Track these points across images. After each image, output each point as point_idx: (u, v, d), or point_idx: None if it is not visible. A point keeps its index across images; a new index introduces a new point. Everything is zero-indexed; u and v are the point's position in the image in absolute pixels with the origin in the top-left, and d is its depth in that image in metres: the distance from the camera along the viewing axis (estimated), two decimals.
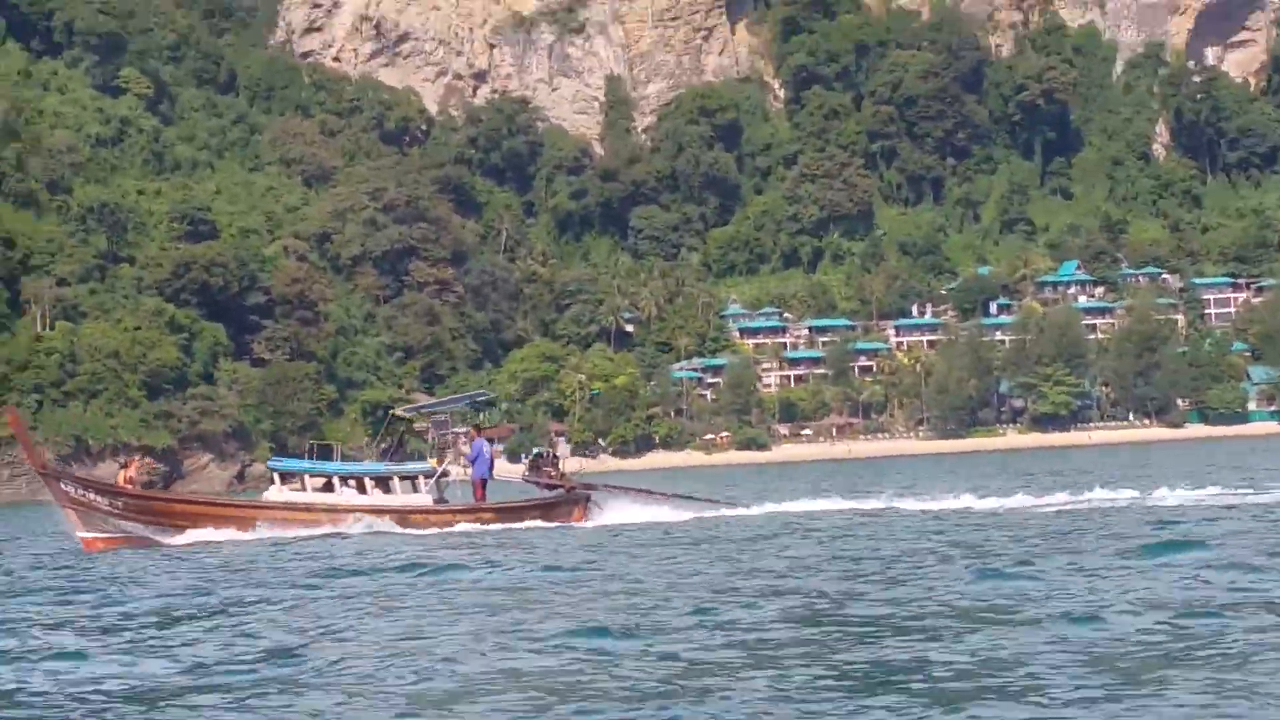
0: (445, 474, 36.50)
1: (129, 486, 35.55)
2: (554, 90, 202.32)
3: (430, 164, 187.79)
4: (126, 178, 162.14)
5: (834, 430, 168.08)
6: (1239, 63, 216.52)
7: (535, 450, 45.44)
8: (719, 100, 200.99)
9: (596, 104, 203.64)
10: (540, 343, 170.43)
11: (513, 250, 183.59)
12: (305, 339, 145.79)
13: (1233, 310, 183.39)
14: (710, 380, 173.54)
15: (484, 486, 35.75)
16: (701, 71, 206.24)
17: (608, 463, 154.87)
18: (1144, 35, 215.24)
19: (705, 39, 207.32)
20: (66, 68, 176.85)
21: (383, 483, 34.52)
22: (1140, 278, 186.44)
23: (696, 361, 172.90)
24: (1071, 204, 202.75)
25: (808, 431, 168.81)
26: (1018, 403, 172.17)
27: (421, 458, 51.21)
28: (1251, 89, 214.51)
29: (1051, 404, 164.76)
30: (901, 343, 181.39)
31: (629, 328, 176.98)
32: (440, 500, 35.08)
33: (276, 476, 36.02)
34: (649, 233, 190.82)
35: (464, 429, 66.70)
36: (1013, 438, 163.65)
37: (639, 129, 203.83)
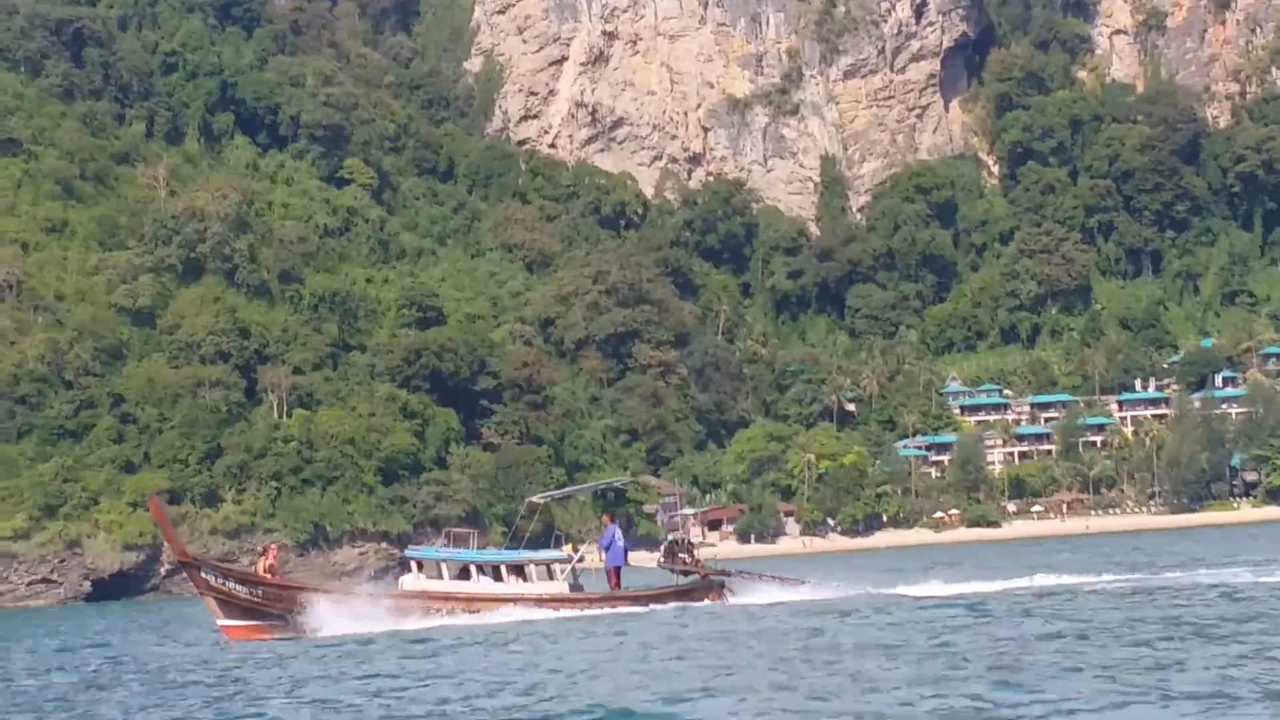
0: (580, 560, 36.57)
1: (268, 576, 34.87)
2: (769, 171, 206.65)
3: (648, 247, 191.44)
4: (354, 266, 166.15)
5: (1064, 506, 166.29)
6: None
7: (670, 537, 46.03)
8: (934, 178, 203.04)
9: (811, 184, 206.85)
10: (765, 423, 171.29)
11: (731, 331, 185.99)
12: (534, 423, 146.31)
13: None
14: (934, 458, 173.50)
15: (618, 574, 35.59)
16: (916, 149, 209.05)
17: (837, 541, 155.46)
18: None
19: (919, 117, 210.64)
20: (293, 160, 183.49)
21: (518, 570, 34.47)
22: None
23: (920, 439, 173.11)
24: None
25: (1038, 508, 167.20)
26: (1250, 476, 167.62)
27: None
28: None
29: None
30: (1125, 417, 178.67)
31: (850, 406, 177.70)
32: (575, 587, 34.76)
33: (413, 564, 35.78)
34: (866, 311, 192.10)
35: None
36: (1246, 511, 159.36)
37: (854, 208, 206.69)
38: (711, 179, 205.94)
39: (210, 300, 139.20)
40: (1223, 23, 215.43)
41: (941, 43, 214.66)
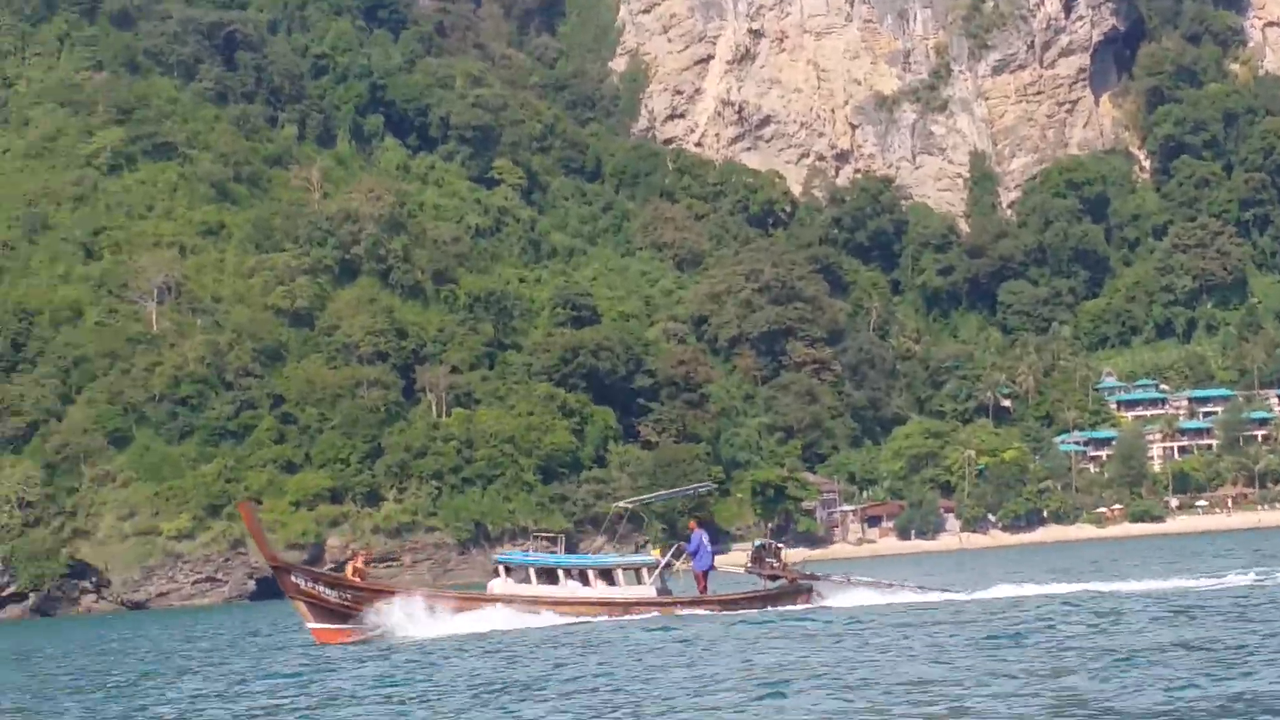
0: (669, 565, 36.15)
1: (356, 579, 34.45)
2: (917, 168, 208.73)
3: (797, 245, 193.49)
4: (507, 266, 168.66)
5: (1228, 501, 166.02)
6: None
7: (758, 542, 43.96)
8: (1085, 173, 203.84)
9: (960, 180, 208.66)
10: (921, 419, 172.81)
11: (883, 328, 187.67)
12: (691, 421, 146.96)
13: None
14: (1093, 453, 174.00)
15: (706, 577, 35.40)
16: (1066, 144, 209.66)
17: (998, 538, 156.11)
18: None
19: (1069, 112, 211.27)
20: (443, 161, 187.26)
21: (607, 575, 34.47)
22: None
23: (1079, 435, 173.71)
24: None
25: (1202, 503, 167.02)
26: None
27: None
28: None
29: None
30: None
31: (1006, 403, 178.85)
32: (664, 591, 34.61)
33: (501, 569, 35.76)
34: (1018, 307, 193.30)
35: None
36: None
37: (1004, 204, 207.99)
38: (859, 176, 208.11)
39: (366, 301, 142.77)
40: None
41: (1091, 37, 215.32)
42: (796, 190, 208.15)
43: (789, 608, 33.69)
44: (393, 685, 20.09)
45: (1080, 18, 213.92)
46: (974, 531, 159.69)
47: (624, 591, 34.09)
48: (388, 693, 18.95)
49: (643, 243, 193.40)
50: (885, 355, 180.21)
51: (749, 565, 36.45)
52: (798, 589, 35.20)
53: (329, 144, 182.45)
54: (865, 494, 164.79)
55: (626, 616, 32.41)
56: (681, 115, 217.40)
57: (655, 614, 32.55)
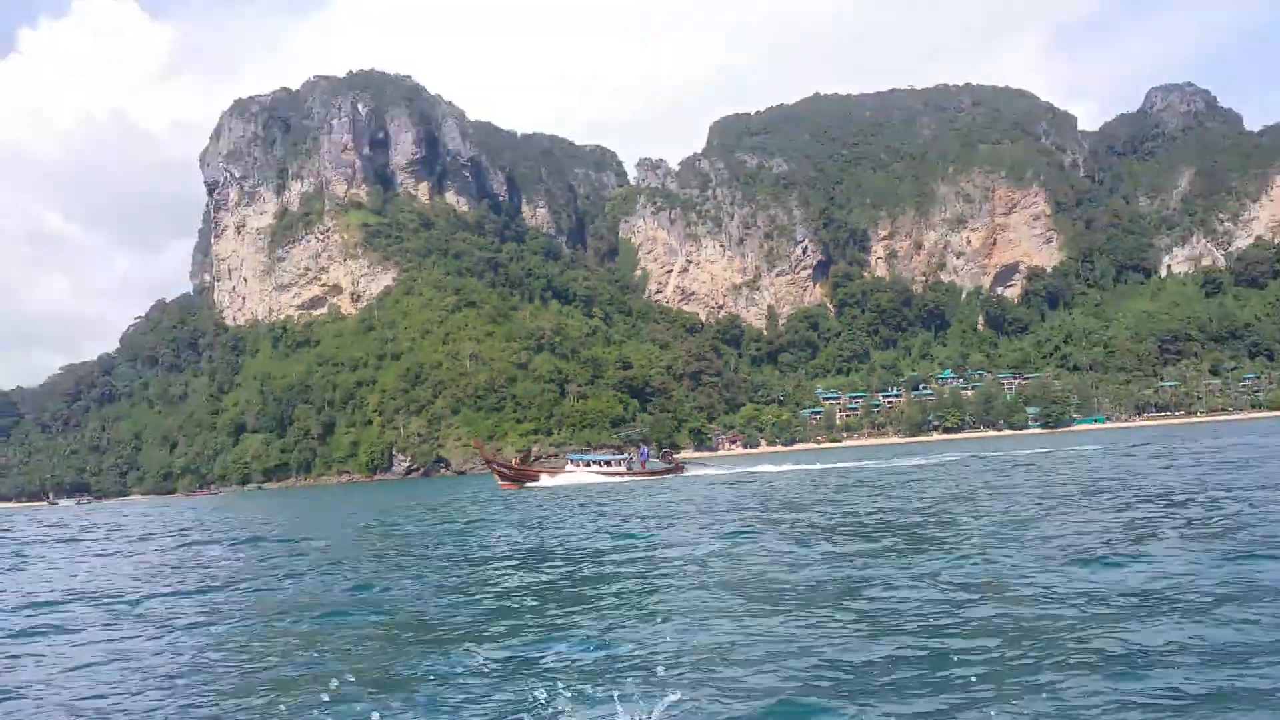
0: (631, 459, 79.53)
1: (517, 464, 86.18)
2: None
3: None
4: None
5: None
6: None
7: (664, 449, 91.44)
8: None
9: None
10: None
11: None
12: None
13: None
14: None
15: (645, 465, 77.22)
16: None
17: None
18: None
19: None
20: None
21: (609, 463, 79.40)
22: None
23: None
24: None
25: None
26: None
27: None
28: None
29: None
30: None
31: None
32: (631, 469, 77.14)
33: (570, 461, 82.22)
34: None
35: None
36: None
37: None
38: None
39: None
40: None
41: None
42: None
43: (676, 474, 74.71)
44: (534, 502, 49.99)
45: None
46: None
47: (615, 469, 76.72)
48: (536, 502, 48.93)
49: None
50: None
51: (662, 458, 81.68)
52: (680, 467, 79.42)
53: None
54: None
55: (615, 480, 71.95)
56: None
57: (628, 479, 72.44)
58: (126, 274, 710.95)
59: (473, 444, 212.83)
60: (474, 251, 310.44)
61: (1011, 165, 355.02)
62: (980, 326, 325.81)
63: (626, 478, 74.73)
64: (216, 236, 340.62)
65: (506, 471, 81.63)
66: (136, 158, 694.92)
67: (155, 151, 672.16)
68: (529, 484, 75.84)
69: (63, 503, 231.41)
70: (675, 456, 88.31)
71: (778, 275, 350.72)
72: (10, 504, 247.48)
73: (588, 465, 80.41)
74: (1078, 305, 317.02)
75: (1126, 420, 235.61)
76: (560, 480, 76.13)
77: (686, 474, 76.47)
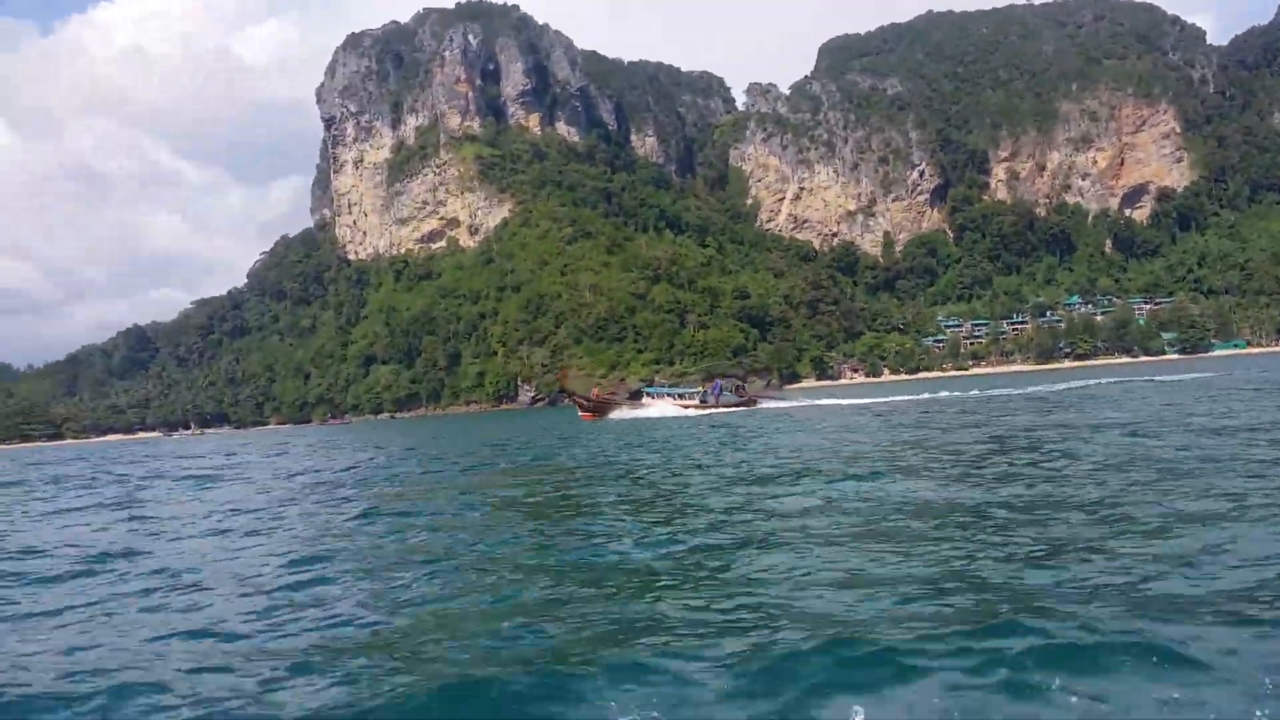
0: (706, 393, 78.84)
1: (595, 396, 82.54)
2: None
3: None
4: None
5: None
6: None
7: (736, 384, 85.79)
8: None
9: None
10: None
11: None
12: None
13: None
14: None
15: (718, 400, 76.53)
16: None
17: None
18: None
19: None
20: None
21: (682, 396, 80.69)
22: None
23: None
24: None
25: None
26: None
27: None
28: None
29: None
30: None
31: None
32: (704, 402, 76.40)
33: (646, 394, 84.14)
34: None
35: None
36: None
37: None
38: None
39: None
40: None
41: None
42: None
43: (749, 407, 74.84)
44: (613, 431, 51.78)
45: None
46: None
47: (690, 402, 78.16)
48: (613, 431, 50.65)
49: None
50: None
51: (736, 392, 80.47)
52: (754, 400, 79.27)
53: None
54: None
55: (688, 413, 72.79)
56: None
57: (703, 412, 72.52)
58: (238, 211, 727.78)
59: (556, 373, 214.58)
60: (587, 182, 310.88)
61: (1138, 81, 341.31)
62: (1107, 250, 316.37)
63: (701, 410, 74.61)
64: (335, 172, 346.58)
65: (585, 403, 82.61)
66: (241, 95, 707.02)
67: (260, 88, 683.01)
68: (609, 415, 76.72)
69: (196, 432, 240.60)
70: (749, 390, 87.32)
71: (894, 200, 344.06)
72: (154, 433, 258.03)
73: (663, 398, 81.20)
74: (1210, 227, 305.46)
75: (1269, 345, 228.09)
76: (637, 412, 76.49)
77: (761, 407, 76.09)
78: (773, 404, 79.44)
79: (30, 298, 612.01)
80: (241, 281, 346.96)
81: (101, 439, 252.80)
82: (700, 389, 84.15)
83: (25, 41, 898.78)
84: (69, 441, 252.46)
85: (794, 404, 78.57)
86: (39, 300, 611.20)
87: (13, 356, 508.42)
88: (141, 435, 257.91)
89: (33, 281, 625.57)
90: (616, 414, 76.86)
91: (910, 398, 72.38)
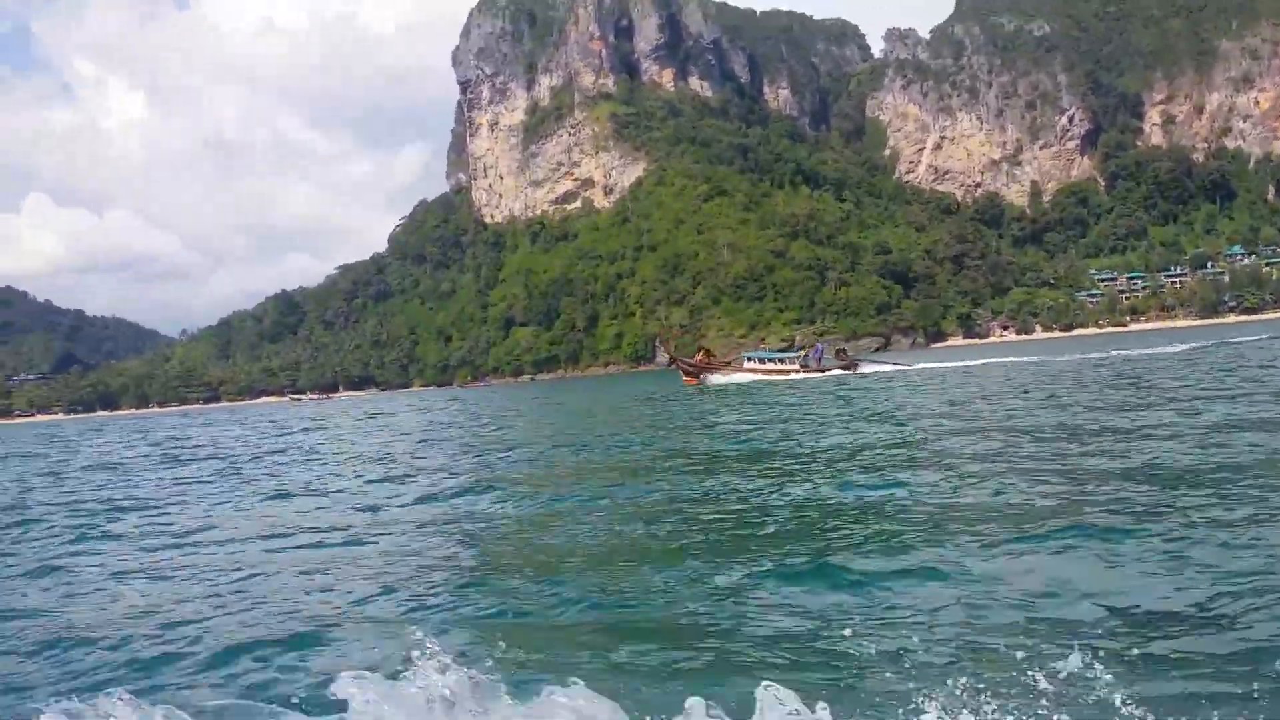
0: (806, 358, 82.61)
1: (696, 362, 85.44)
2: None
3: None
4: None
5: None
6: None
7: (838, 349, 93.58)
8: None
9: None
10: None
11: None
12: None
13: None
14: None
15: (819, 363, 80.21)
16: None
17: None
18: None
19: None
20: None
21: (782, 362, 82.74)
22: None
23: None
24: None
25: None
26: None
27: None
28: None
29: None
30: None
31: None
32: (805, 367, 78.87)
33: (746, 359, 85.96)
34: None
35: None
36: None
37: None
38: None
39: None
40: None
41: None
42: None
43: (849, 372, 77.15)
44: (712, 391, 68.34)
45: None
46: None
47: (789, 367, 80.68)
48: (713, 396, 60.08)
49: None
50: None
51: (837, 356, 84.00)
52: (855, 365, 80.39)
53: None
54: None
55: (788, 377, 75.59)
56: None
57: (801, 375, 76.74)
58: (366, 179, 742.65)
59: (659, 335, 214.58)
60: (721, 138, 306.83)
61: None
62: (1271, 197, 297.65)
63: (801, 375, 76.74)
64: (471, 135, 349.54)
65: (688, 367, 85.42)
66: (367, 62, 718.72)
67: (385, 56, 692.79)
68: (708, 379, 79.75)
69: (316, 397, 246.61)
70: (850, 355, 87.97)
71: (1041, 148, 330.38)
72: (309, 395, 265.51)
73: (763, 363, 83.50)
74: None
75: None
76: (737, 377, 78.94)
77: (862, 371, 77.34)
78: (873, 368, 79.81)
79: (172, 264, 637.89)
80: (372, 248, 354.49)
81: (255, 401, 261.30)
82: (800, 353, 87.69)
83: (162, 15, 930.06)
84: (226, 404, 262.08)
85: (895, 368, 78.14)
86: (180, 267, 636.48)
87: (159, 324, 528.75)
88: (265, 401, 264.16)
89: (175, 250, 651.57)
90: (714, 378, 79.19)
91: (1042, 359, 72.68)
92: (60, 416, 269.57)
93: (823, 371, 78.01)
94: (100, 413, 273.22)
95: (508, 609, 10.07)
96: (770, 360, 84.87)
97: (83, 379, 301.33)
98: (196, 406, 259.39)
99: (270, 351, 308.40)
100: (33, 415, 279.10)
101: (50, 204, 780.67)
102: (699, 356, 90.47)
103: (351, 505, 19.37)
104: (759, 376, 77.78)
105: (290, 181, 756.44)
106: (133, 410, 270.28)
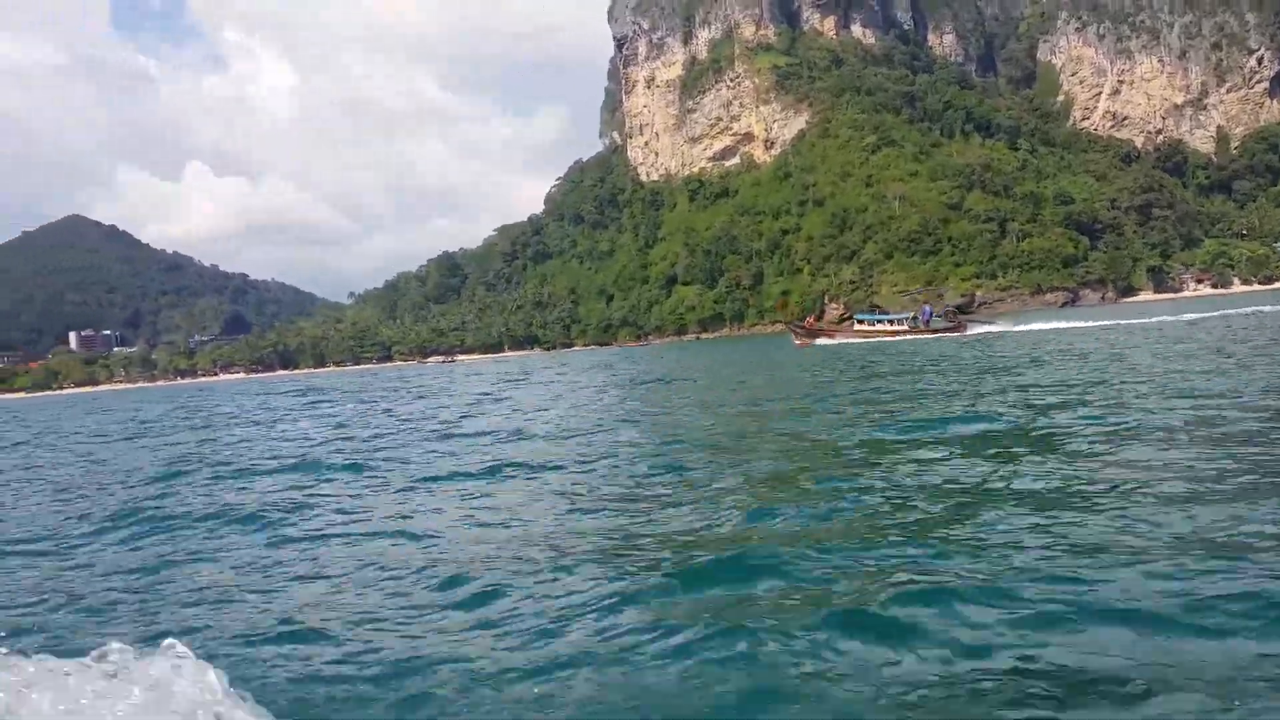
0: (914, 319, 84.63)
1: (809, 325, 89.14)
2: None
3: None
4: None
5: None
6: None
7: (946, 308, 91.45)
8: None
9: None
10: None
11: None
12: None
13: None
14: None
15: (928, 324, 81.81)
16: None
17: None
18: None
19: None
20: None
21: (894, 322, 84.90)
22: None
23: None
24: None
25: None
26: None
27: None
28: None
29: None
30: None
31: None
32: (914, 328, 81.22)
33: (857, 320, 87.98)
34: None
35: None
36: None
37: None
38: None
39: None
40: None
41: None
42: None
43: (957, 333, 77.43)
44: (823, 353, 65.71)
45: None
46: None
47: (898, 328, 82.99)
48: (819, 357, 59.32)
49: None
50: None
51: (945, 317, 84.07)
52: (961, 325, 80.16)
53: None
54: None
55: (899, 339, 77.32)
56: None
57: (911, 336, 78.89)
58: (505, 140, 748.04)
59: (775, 304, 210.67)
60: (888, 86, 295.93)
61: None
62: None
63: (910, 335, 79.04)
64: (627, 93, 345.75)
65: (800, 330, 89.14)
66: (502, 24, 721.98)
67: (523, 18, 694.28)
68: (816, 341, 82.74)
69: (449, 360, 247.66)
70: (959, 315, 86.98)
71: (1228, 91, 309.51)
72: (474, 355, 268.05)
73: (873, 324, 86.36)
74: None
75: None
76: (845, 338, 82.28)
77: (970, 332, 77.76)
78: (981, 329, 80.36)
79: (325, 229, 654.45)
80: (514, 210, 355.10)
81: (426, 361, 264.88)
82: (911, 314, 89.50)
83: None
84: (398, 363, 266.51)
85: (1003, 328, 78.23)
86: (332, 232, 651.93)
87: (314, 287, 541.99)
88: (401, 362, 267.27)
89: (326, 216, 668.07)
90: (823, 340, 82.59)
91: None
92: (242, 375, 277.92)
93: (932, 333, 79.63)
94: (280, 371, 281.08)
95: None
96: (880, 322, 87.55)
97: (262, 340, 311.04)
98: (371, 366, 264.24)
99: (438, 313, 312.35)
100: (216, 375, 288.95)
101: (209, 172, 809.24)
102: (810, 321, 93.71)
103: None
104: (867, 339, 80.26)
105: (429, 145, 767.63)
106: (311, 369, 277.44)
